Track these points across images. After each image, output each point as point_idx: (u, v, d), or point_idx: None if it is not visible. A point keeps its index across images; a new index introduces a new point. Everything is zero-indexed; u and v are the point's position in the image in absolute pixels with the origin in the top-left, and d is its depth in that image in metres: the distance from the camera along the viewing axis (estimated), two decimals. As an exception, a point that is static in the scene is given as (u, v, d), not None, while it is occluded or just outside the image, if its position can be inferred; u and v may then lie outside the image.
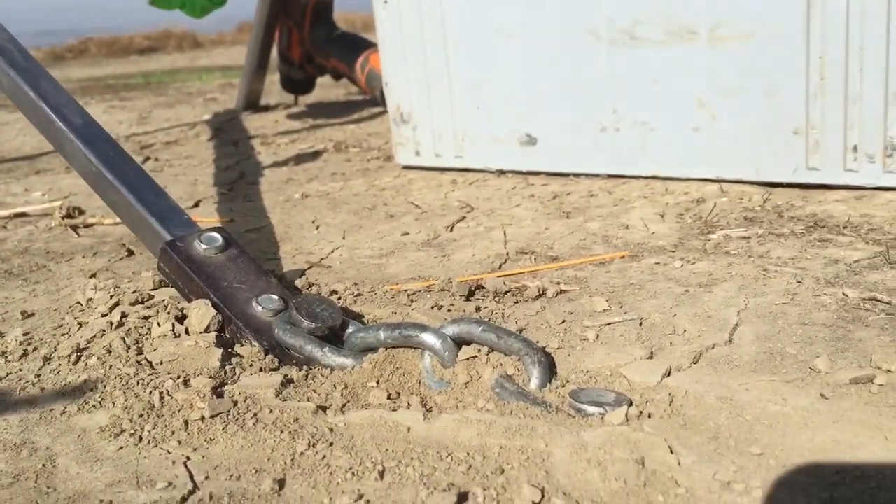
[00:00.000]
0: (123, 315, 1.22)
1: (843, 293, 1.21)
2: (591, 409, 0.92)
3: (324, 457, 0.88)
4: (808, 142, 1.76)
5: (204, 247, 1.27)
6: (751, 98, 1.81)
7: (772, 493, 0.76)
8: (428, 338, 1.05)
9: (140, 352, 1.13)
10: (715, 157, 1.89)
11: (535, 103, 2.12)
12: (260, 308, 1.19)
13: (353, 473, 0.84)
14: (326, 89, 4.68)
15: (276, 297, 1.21)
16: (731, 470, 0.79)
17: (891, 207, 1.61)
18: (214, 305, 1.19)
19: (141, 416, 0.97)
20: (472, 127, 2.23)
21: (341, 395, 1.03)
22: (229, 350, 1.14)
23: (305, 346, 1.12)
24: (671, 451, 0.83)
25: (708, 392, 0.96)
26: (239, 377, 1.07)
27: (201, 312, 1.17)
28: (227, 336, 1.17)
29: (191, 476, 0.86)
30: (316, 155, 2.80)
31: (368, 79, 3.59)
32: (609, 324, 1.19)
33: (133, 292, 1.30)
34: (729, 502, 0.75)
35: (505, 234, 1.70)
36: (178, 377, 1.05)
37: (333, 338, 1.16)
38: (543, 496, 0.77)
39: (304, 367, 1.10)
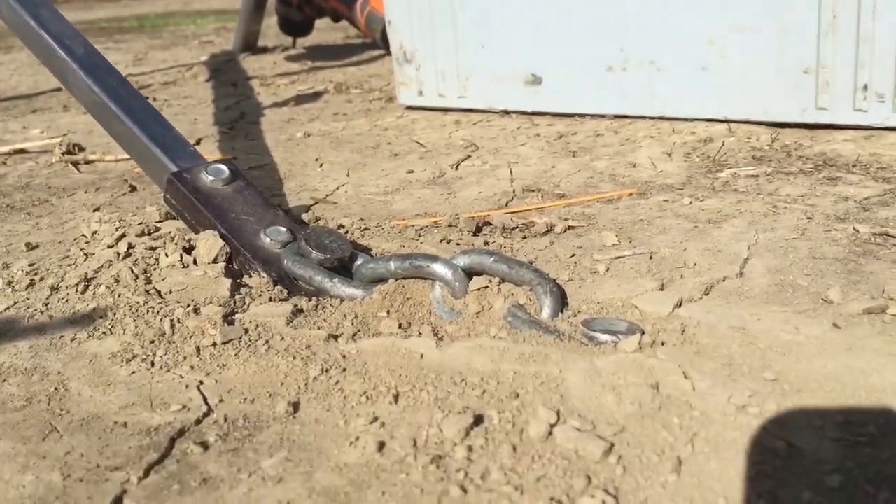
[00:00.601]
0: (130, 246, 1.21)
1: (854, 228, 1.21)
2: (603, 336, 0.92)
3: (337, 381, 0.88)
4: (817, 81, 1.74)
5: (211, 178, 1.26)
6: (761, 36, 1.79)
7: (787, 417, 0.76)
8: (439, 268, 1.05)
9: (148, 281, 1.12)
10: (723, 96, 1.87)
11: (540, 42, 2.08)
12: (268, 240, 1.18)
13: (367, 397, 0.84)
14: (325, 32, 4.62)
15: (284, 228, 1.21)
16: (745, 394, 0.79)
17: (900, 147, 1.60)
18: (222, 237, 1.18)
19: (152, 342, 0.97)
20: (477, 66, 2.20)
21: (352, 324, 1.02)
22: (238, 281, 1.13)
23: (315, 277, 1.11)
24: (685, 377, 0.83)
25: (720, 322, 0.95)
26: (249, 306, 1.06)
27: (209, 243, 1.16)
28: (236, 267, 1.17)
29: (205, 399, 0.86)
30: (316, 96, 2.77)
31: (368, 21, 3.53)
32: (619, 257, 1.18)
33: (139, 224, 1.29)
34: (744, 425, 0.75)
35: (511, 172, 1.69)
36: (188, 305, 1.04)
37: (342, 270, 1.15)
38: (559, 418, 0.77)
39: (314, 298, 1.09)
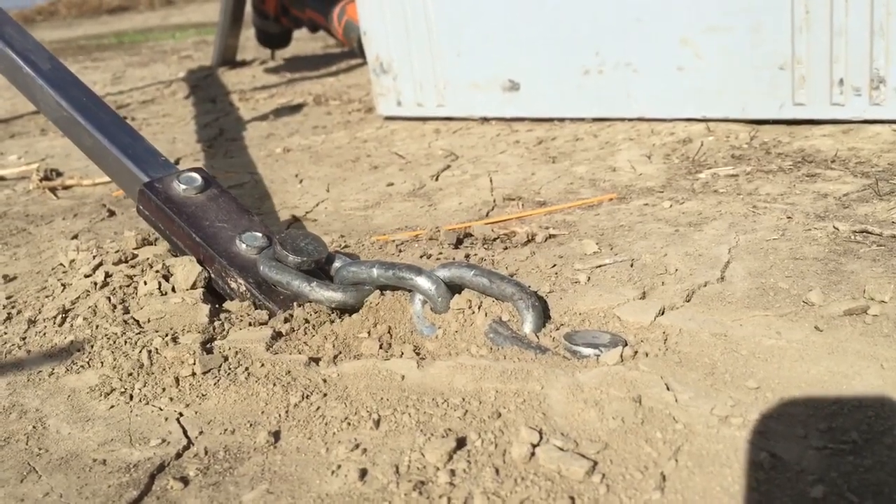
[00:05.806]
0: (108, 275, 1.20)
1: (834, 226, 1.21)
2: (586, 350, 0.92)
3: (318, 408, 0.87)
4: (793, 77, 1.74)
5: (183, 187, 1.25)
6: (735, 34, 1.79)
7: (770, 426, 0.76)
8: (423, 281, 1.03)
9: (126, 311, 1.11)
10: (700, 96, 1.87)
11: (516, 48, 2.08)
12: (244, 246, 1.17)
13: (348, 423, 0.83)
14: (303, 42, 4.60)
15: (259, 234, 1.19)
16: (728, 404, 0.79)
17: (878, 140, 1.60)
18: (197, 245, 1.16)
19: (130, 374, 0.96)
20: (454, 74, 2.19)
21: (333, 346, 1.02)
22: (217, 306, 1.12)
23: (292, 282, 1.10)
24: (668, 389, 0.82)
25: (702, 329, 0.95)
26: (228, 332, 1.05)
27: (187, 269, 1.15)
28: (213, 276, 1.15)
29: (185, 432, 0.85)
30: (296, 109, 2.76)
31: (346, 30, 3.52)
32: (600, 266, 1.18)
33: (116, 252, 1.27)
34: (727, 436, 0.75)
35: (491, 181, 1.69)
36: (167, 335, 1.03)
37: (320, 272, 1.14)
38: (542, 438, 0.77)
39: (294, 321, 1.07)
